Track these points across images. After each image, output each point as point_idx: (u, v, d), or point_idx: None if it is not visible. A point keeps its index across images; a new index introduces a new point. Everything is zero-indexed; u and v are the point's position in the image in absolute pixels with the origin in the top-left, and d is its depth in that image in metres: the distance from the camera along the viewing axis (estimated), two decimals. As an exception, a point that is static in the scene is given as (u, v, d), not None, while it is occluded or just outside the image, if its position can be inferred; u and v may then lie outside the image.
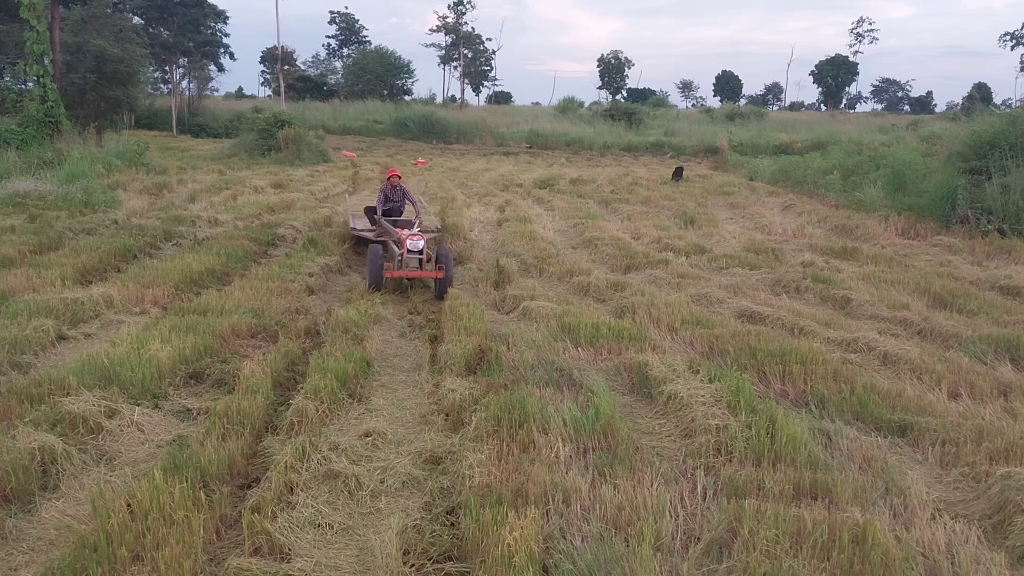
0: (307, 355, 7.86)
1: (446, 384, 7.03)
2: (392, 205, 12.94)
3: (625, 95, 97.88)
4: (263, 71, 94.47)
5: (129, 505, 4.54)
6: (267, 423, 6.21)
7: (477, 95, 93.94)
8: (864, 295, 10.78)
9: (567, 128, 49.92)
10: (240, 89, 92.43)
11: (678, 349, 8.49)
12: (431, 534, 4.56)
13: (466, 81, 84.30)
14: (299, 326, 8.80)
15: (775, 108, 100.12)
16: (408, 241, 10.74)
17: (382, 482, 5.29)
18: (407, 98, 74.66)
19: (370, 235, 12.92)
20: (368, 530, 4.71)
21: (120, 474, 5.25)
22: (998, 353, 8.31)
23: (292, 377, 7.29)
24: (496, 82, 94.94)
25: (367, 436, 5.95)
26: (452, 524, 4.74)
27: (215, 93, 66.81)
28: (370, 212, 13.60)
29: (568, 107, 62.43)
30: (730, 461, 5.59)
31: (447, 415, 6.46)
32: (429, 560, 4.35)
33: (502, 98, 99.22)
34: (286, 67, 68.22)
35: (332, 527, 4.71)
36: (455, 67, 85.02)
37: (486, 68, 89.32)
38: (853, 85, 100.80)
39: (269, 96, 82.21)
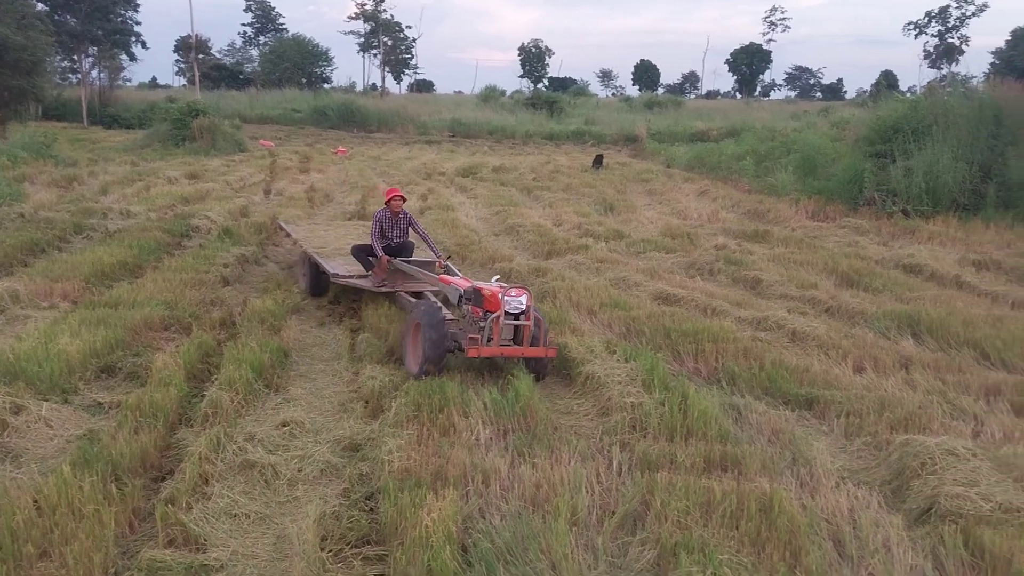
0: (222, 346, 7.72)
1: (366, 372, 7.01)
2: (393, 242, 9.38)
3: (546, 84, 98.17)
4: (177, 60, 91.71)
5: (36, 501, 4.41)
6: (181, 415, 6.09)
7: (399, 83, 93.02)
8: (774, 276, 11.12)
9: (489, 117, 49.95)
10: (154, 79, 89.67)
11: (597, 331, 8.63)
12: (349, 519, 4.56)
13: (387, 69, 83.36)
14: (214, 317, 8.63)
15: (692, 96, 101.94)
16: (507, 299, 6.84)
17: (300, 471, 5.26)
18: (326, 86, 73.52)
19: (365, 284, 9.21)
20: (285, 518, 4.68)
21: (27, 471, 5.09)
22: (900, 328, 8.69)
23: (206, 369, 7.15)
24: (418, 70, 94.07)
25: (284, 426, 5.90)
26: (371, 509, 4.74)
27: (127, 83, 64.64)
28: (362, 252, 9.36)
29: (490, 96, 62.42)
30: (644, 437, 5.74)
31: (367, 402, 6.45)
32: (347, 545, 4.35)
33: (424, 86, 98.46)
34: (201, 56, 66.36)
35: (249, 517, 4.67)
36: (375, 55, 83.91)
37: (407, 56, 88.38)
38: (767, 73, 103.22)
39: (184, 86, 79.98)
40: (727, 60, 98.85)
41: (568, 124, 48.12)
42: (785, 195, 18.92)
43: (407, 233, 9.49)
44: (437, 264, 8.77)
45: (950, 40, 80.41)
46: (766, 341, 8.20)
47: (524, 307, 6.86)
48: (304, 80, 71.77)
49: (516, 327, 6.99)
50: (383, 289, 9.02)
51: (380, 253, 9.05)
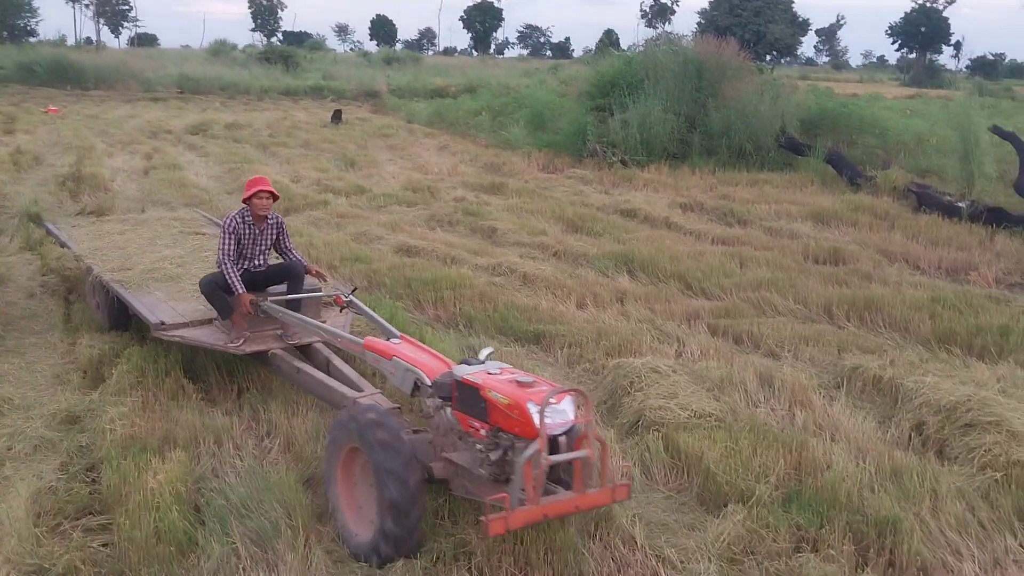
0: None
1: (83, 341, 6.53)
2: (255, 265, 5.92)
3: (281, 38, 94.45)
4: None
5: None
6: None
7: (117, 37, 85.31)
8: (509, 225, 11.64)
9: (221, 72, 47.17)
10: None
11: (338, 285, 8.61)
12: (68, 492, 4.31)
13: (101, 21, 76.06)
14: None
15: (431, 53, 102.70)
16: (550, 415, 3.63)
17: (9, 449, 4.85)
18: (32, 40, 65.83)
19: (213, 340, 5.69)
20: (-7, 500, 4.31)
21: None
22: (618, 266, 9.46)
23: None
24: (138, 23, 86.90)
25: (-11, 405, 5.39)
26: (93, 480, 4.51)
27: None
28: (217, 290, 5.68)
29: (220, 50, 58.92)
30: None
31: (85, 372, 6.04)
32: (66, 518, 4.12)
33: (147, 41, 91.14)
34: None
35: (-52, 504, 4.25)
36: (86, 5, 76.24)
37: (124, 7, 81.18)
38: (500, 31, 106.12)
39: None
40: (461, 17, 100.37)
41: (305, 79, 46.64)
42: (519, 149, 19.70)
43: (270, 244, 5.97)
44: (336, 301, 5.69)
45: (663, 1, 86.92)
46: (500, 285, 8.61)
47: (572, 423, 3.76)
48: (5, 33, 63.79)
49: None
50: (246, 349, 5.60)
51: (238, 288, 5.56)
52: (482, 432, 3.86)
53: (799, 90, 21.53)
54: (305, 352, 5.77)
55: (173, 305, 6.15)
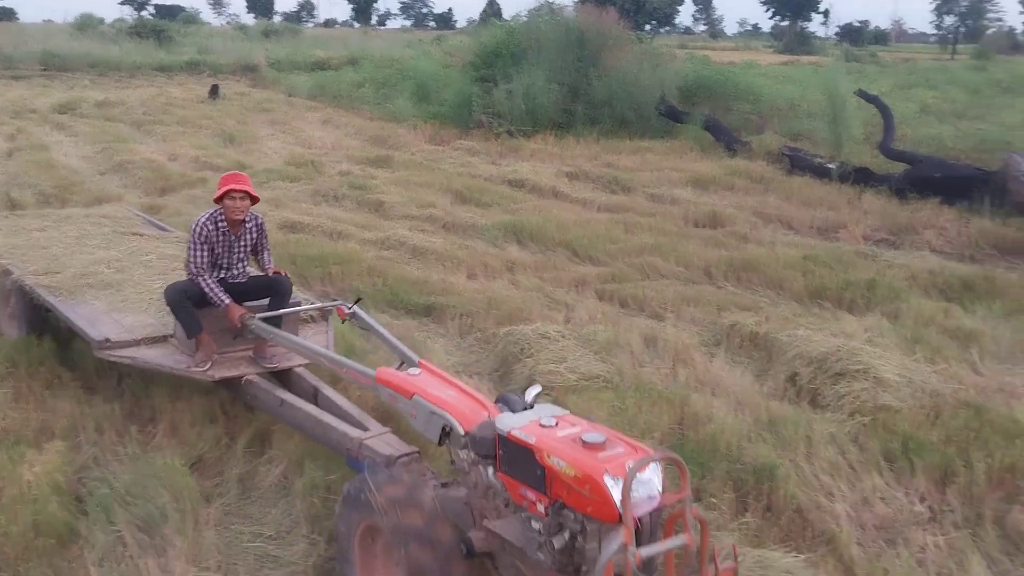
0: None
1: (-55, 333, 6.16)
2: (230, 274, 5.00)
3: (152, 12, 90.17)
4: None
5: None
6: None
7: (-35, 10, 79.56)
8: (397, 198, 11.55)
9: (89, 48, 44.62)
10: None
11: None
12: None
13: (-53, -8, 70.70)
14: None
15: (311, 25, 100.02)
16: (636, 490, 2.75)
17: None
18: None
19: (172, 363, 4.79)
20: None
21: None
22: (507, 236, 9.56)
23: None
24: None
25: None
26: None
27: None
28: (187, 302, 4.73)
29: (87, 24, 55.67)
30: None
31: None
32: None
33: (4, 14, 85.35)
34: None
35: None
36: (-72, -26, 70.68)
37: (-27, -23, 75.69)
38: (381, 2, 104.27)
39: None
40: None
41: (180, 54, 44.66)
42: (404, 121, 19.51)
43: (248, 249, 5.05)
44: (338, 313, 4.86)
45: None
46: (389, 259, 8.57)
47: (662, 499, 2.90)
48: None
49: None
50: (215, 375, 4.73)
51: (223, 299, 4.72)
52: (539, 506, 2.99)
53: (677, 59, 22.11)
54: (283, 378, 4.89)
55: (118, 318, 5.14)
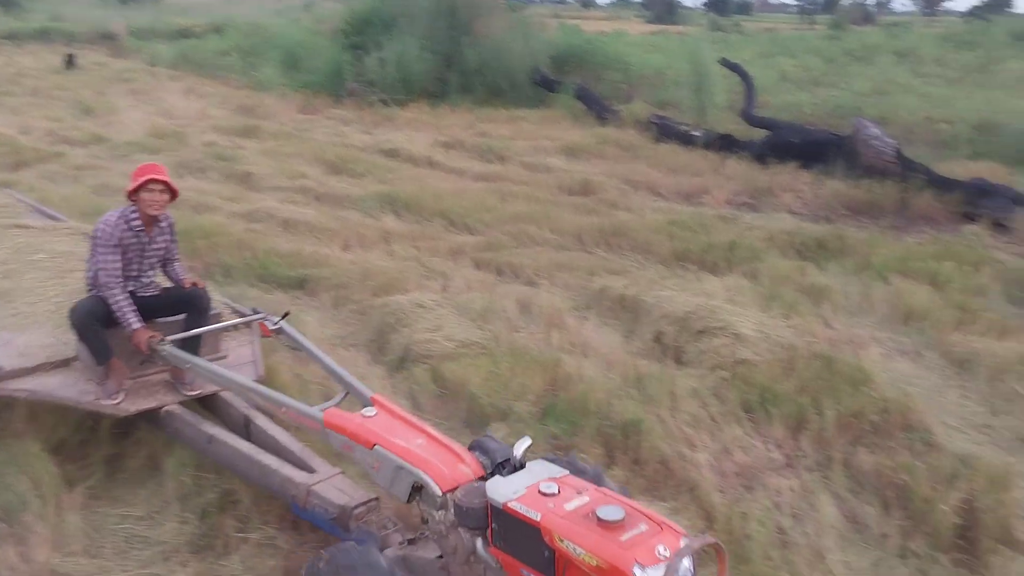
0: None
1: None
2: (140, 284, 4.29)
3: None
4: None
5: None
6: None
7: None
8: (266, 169, 11.26)
9: (-79, 11, 41.19)
10: None
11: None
12: None
13: None
14: None
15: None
16: None
17: None
18: None
19: (73, 394, 4.08)
20: None
21: None
22: (383, 206, 9.47)
23: None
24: None
25: None
26: None
27: None
28: (95, 320, 4.01)
29: (-83, -16, 51.22)
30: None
31: None
32: None
33: None
34: None
35: None
36: None
37: None
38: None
39: None
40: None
41: (29, 22, 41.84)
42: (273, 90, 18.93)
43: (160, 251, 4.35)
44: (261, 329, 4.49)
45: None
46: (259, 231, 8.37)
47: None
48: None
49: None
50: (129, 408, 4.10)
51: (132, 321, 4.04)
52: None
53: (549, 28, 22.22)
54: (209, 404, 4.31)
55: (8, 337, 4.34)
